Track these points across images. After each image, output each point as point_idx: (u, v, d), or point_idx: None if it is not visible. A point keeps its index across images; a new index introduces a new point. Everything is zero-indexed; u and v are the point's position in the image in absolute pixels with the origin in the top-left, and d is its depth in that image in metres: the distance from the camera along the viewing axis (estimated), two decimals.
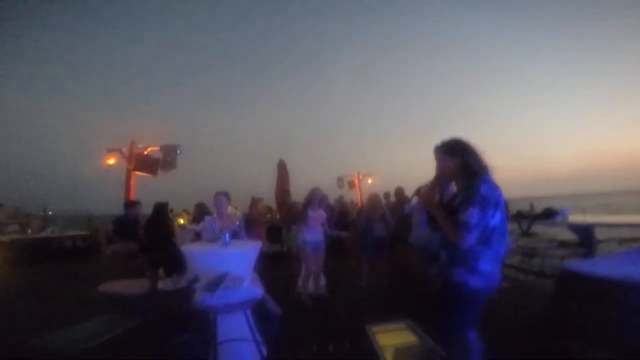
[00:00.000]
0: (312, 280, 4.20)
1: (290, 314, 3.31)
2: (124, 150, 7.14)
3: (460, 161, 1.63)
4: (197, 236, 4.20)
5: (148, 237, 4.63)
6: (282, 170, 6.37)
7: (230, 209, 3.79)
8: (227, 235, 2.56)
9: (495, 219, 1.53)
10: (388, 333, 2.90)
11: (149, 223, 4.76)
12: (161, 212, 4.83)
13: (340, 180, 13.95)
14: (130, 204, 5.28)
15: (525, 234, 5.13)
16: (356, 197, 13.25)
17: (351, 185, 13.99)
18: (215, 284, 2.04)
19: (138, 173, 7.03)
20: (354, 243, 5.04)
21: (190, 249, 2.53)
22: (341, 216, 7.71)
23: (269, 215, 8.72)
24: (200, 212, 5.10)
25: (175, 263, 4.04)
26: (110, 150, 7.10)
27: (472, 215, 1.47)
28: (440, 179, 1.72)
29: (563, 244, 3.99)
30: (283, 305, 3.12)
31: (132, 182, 6.93)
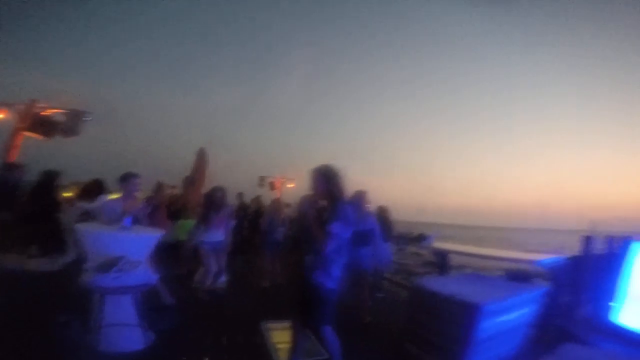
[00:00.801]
0: (210, 276, 4.20)
1: (186, 306, 3.32)
2: (18, 106, 6.07)
3: (327, 185, 2.09)
4: (86, 215, 3.86)
5: (29, 208, 4.10)
6: (201, 159, 6.22)
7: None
8: (129, 219, 2.55)
9: (346, 233, 2.01)
10: (283, 331, 2.91)
11: (32, 192, 4.22)
12: (49, 181, 4.32)
13: (261, 179, 13.95)
14: (10, 167, 4.58)
15: (401, 250, 6.13)
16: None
17: (272, 186, 14.11)
18: (110, 265, 2.06)
19: (28, 134, 6.04)
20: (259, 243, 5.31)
21: (87, 229, 2.45)
22: (256, 216, 7.84)
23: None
24: (94, 189, 4.67)
25: (57, 241, 3.69)
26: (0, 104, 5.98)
27: (335, 227, 1.92)
28: (315, 196, 2.14)
29: (429, 264, 4.95)
30: (179, 297, 3.12)
31: (18, 142, 5.92)
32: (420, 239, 5.47)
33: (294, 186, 14.16)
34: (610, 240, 2.67)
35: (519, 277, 2.96)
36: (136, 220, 2.89)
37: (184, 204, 5.21)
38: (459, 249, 4.29)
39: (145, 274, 2.38)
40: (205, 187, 5.96)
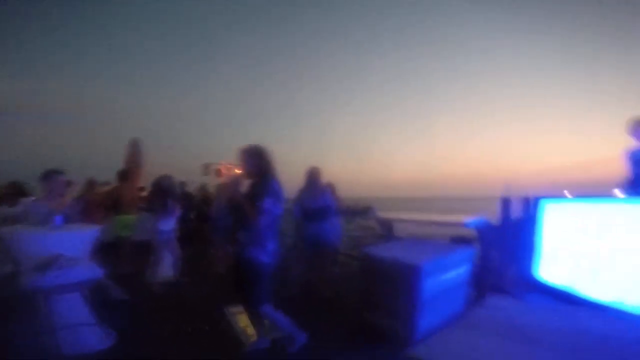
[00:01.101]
0: (163, 267, 4.10)
1: (142, 301, 3.17)
2: None
3: (255, 163, 2.15)
4: (8, 221, 3.42)
5: None
6: (134, 150, 5.69)
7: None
8: (59, 217, 2.34)
9: (278, 208, 2.08)
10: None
11: None
12: None
13: (206, 167, 13.29)
14: None
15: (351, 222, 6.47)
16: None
17: (218, 173, 13.54)
18: (47, 264, 1.89)
19: None
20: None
21: (16, 231, 2.21)
22: (203, 205, 7.55)
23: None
24: (13, 193, 4.12)
25: None
26: None
27: (267, 203, 1.98)
28: (245, 174, 2.21)
29: (377, 235, 5.30)
30: (132, 293, 2.96)
31: None
32: (366, 211, 5.87)
33: (241, 172, 13.72)
34: (525, 201, 3.12)
35: (459, 241, 3.29)
36: (67, 219, 2.65)
37: (118, 198, 4.79)
38: (400, 216, 4.61)
39: (88, 269, 2.24)
40: (144, 180, 5.55)
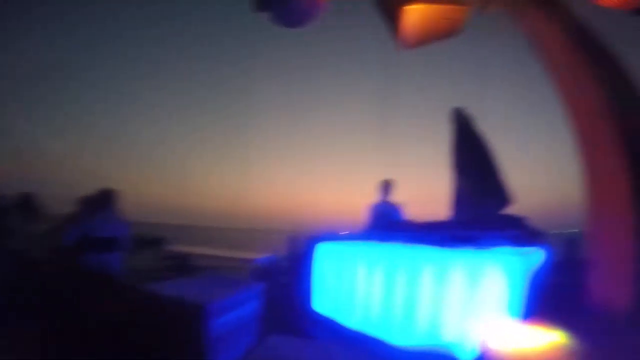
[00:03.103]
0: None
1: None
2: None
3: None
4: None
5: None
6: None
7: None
8: None
9: None
10: None
11: None
12: None
13: None
14: None
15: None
16: None
17: None
18: None
19: None
20: None
21: None
22: None
23: None
24: None
25: None
26: None
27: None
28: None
29: (169, 267, 4.65)
30: None
31: None
32: (158, 241, 5.07)
33: None
34: (309, 240, 3.56)
35: (262, 275, 3.26)
36: None
37: None
38: (193, 250, 4.31)
39: None
40: None
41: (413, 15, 2.45)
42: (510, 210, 2.77)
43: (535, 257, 2.18)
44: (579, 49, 1.89)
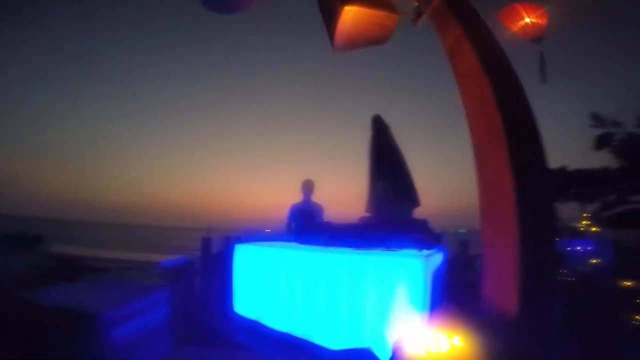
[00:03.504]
0: None
1: None
2: None
3: None
4: None
5: None
6: None
7: None
8: None
9: None
10: None
11: None
12: None
13: None
14: None
15: None
16: None
17: None
18: None
19: None
20: None
21: None
22: None
23: None
24: None
25: None
26: None
27: None
28: None
29: (54, 270, 3.92)
30: None
31: None
32: (36, 241, 4.22)
33: None
34: (224, 240, 3.36)
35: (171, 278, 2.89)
36: None
37: None
38: (83, 252, 3.74)
39: None
40: None
41: (347, 16, 2.46)
42: (417, 212, 3.02)
43: (436, 258, 2.35)
44: (488, 68, 2.07)
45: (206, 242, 3.38)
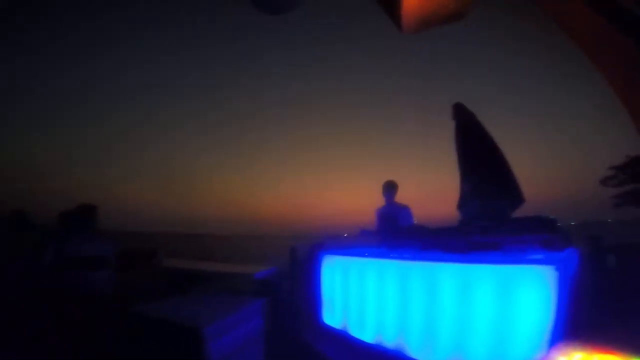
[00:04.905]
0: None
1: None
2: None
3: None
4: None
5: None
6: None
7: None
8: None
9: None
10: None
11: None
12: None
13: None
14: None
15: None
16: None
17: None
18: None
19: None
20: None
21: None
22: None
23: None
24: None
25: None
26: None
27: None
28: None
29: (165, 285, 4.38)
30: None
31: None
32: (150, 256, 4.77)
33: None
34: (311, 249, 3.32)
35: (263, 289, 3.01)
36: None
37: None
38: (190, 266, 4.07)
39: None
40: None
41: None
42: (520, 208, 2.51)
43: (571, 261, 1.90)
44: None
45: (295, 252, 3.41)
